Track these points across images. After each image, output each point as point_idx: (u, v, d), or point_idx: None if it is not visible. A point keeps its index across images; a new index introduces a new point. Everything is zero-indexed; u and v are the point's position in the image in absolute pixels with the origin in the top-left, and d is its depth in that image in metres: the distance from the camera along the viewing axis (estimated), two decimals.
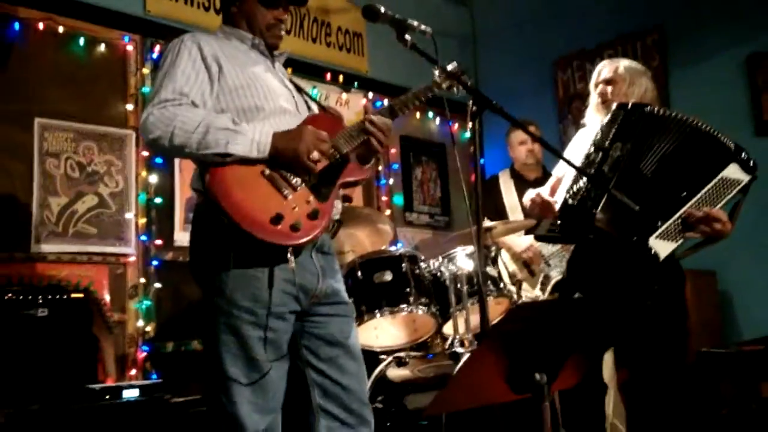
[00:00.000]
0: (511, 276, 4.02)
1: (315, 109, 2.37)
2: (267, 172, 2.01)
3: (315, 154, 2.03)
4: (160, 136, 1.96)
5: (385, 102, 5.33)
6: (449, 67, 2.30)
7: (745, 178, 2.53)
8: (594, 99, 2.94)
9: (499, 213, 4.33)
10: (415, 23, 2.21)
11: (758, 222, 4.36)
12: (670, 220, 2.48)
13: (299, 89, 2.37)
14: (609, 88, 2.87)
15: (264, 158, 2.00)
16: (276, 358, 2.03)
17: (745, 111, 4.64)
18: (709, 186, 2.50)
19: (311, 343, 2.15)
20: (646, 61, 5.09)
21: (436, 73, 2.32)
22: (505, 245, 4.11)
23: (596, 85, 2.94)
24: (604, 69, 2.94)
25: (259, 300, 2.00)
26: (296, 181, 2.04)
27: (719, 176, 2.51)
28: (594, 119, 2.91)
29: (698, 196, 2.50)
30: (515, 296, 3.70)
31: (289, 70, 2.50)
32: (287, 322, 2.07)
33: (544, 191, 2.87)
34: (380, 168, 5.27)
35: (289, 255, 1.98)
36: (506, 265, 4.05)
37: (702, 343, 3.93)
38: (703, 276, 4.27)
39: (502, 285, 3.65)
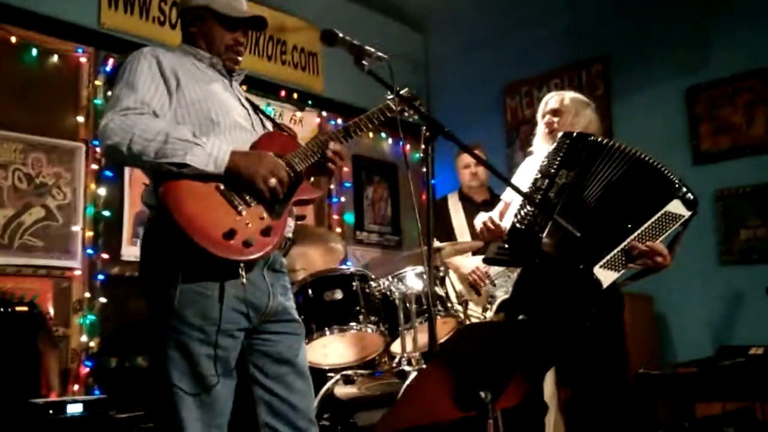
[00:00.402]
0: (458, 296, 4.09)
1: (270, 127, 2.40)
2: (221, 187, 2.02)
3: (272, 181, 2.04)
4: (118, 142, 1.95)
5: (339, 121, 5.42)
6: (402, 92, 2.35)
7: (686, 213, 2.62)
8: (541, 128, 3.05)
9: (448, 234, 4.41)
10: (372, 50, 2.26)
11: (693, 248, 4.55)
12: (615, 251, 2.57)
13: (256, 108, 2.40)
14: (555, 119, 2.98)
15: (219, 174, 2.01)
16: (223, 375, 2.03)
17: (685, 140, 4.85)
18: (652, 219, 2.59)
19: (259, 361, 2.15)
20: (590, 89, 5.29)
21: (390, 96, 2.37)
22: (452, 266, 4.19)
23: (543, 116, 3.05)
24: (551, 100, 3.05)
25: (208, 317, 2.00)
26: (250, 197, 2.05)
27: (663, 210, 2.60)
28: (541, 147, 3.01)
29: (642, 228, 2.58)
30: (462, 315, 3.78)
31: (244, 87, 2.53)
32: (236, 340, 2.07)
33: (494, 215, 2.95)
34: (332, 186, 5.32)
35: (240, 271, 1.99)
36: (454, 285, 4.13)
37: (639, 365, 4.06)
38: (639, 300, 4.42)
39: (449, 305, 3.72)
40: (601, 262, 2.55)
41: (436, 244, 3.66)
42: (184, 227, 1.91)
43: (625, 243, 2.57)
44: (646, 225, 2.59)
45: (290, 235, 2.25)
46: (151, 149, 1.94)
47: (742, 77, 4.64)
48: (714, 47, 4.78)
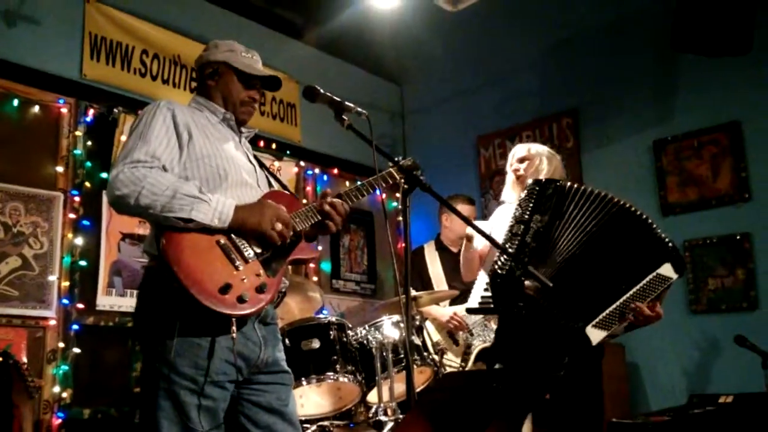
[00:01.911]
0: (435, 345, 4.12)
1: (276, 185, 2.47)
2: (222, 241, 2.08)
3: (279, 225, 2.12)
4: (127, 194, 2.01)
5: (316, 170, 5.50)
6: (403, 162, 2.44)
7: (674, 276, 2.65)
8: (510, 177, 3.15)
9: (425, 283, 4.46)
10: (352, 105, 2.33)
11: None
12: (608, 311, 2.57)
13: (262, 165, 2.46)
14: (522, 165, 3.09)
15: (223, 229, 2.07)
16: (212, 427, 2.05)
17: (652, 192, 4.98)
18: (645, 281, 2.60)
19: (249, 410, 2.17)
20: (561, 141, 5.44)
21: (390, 164, 2.42)
22: (429, 315, 4.23)
23: (511, 165, 3.16)
24: (518, 150, 3.17)
25: (201, 368, 2.02)
26: (249, 253, 2.10)
27: (655, 273, 2.61)
28: (511, 196, 3.11)
29: (634, 290, 2.59)
30: (438, 365, 3.80)
31: None
32: (226, 391, 2.09)
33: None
34: None
35: (232, 326, 2.03)
36: (431, 334, 4.16)
37: (612, 414, 4.08)
38: (611, 348, 4.45)
39: (425, 354, 3.75)
40: (594, 322, 2.55)
41: (413, 293, 3.70)
42: (182, 279, 1.96)
43: (617, 303, 2.58)
44: (638, 286, 2.59)
45: (284, 289, 2.30)
46: (159, 203, 2.00)
47: (707, 131, 4.80)
48: (679, 102, 4.95)
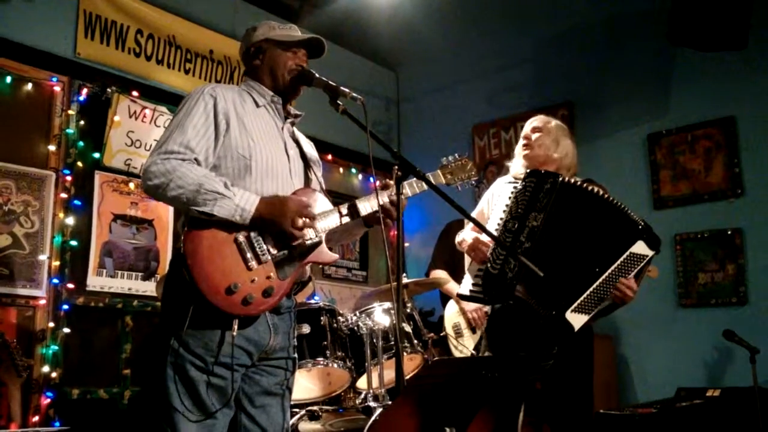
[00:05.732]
0: (455, 326, 4.13)
1: (313, 178, 2.45)
2: (240, 239, 2.10)
3: (300, 222, 2.12)
4: (157, 184, 2.06)
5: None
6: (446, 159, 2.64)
7: (650, 253, 2.69)
8: (519, 145, 3.07)
9: (455, 260, 4.37)
10: (347, 90, 2.31)
11: (653, 290, 4.67)
12: (584, 295, 2.61)
13: (303, 156, 2.43)
14: (534, 135, 3.00)
15: (245, 225, 2.09)
16: (222, 405, 2.09)
17: (645, 185, 5.00)
18: (618, 262, 2.65)
19: (250, 389, 2.21)
20: None
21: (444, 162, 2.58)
22: (451, 294, 4.21)
23: (524, 133, 3.06)
24: (535, 120, 3.07)
25: (210, 349, 2.07)
26: (264, 254, 2.12)
27: (628, 252, 2.66)
28: (516, 165, 3.06)
29: (609, 271, 2.63)
30: (454, 345, 3.81)
31: None
32: (236, 373, 2.13)
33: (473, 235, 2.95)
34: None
35: (233, 323, 2.06)
36: (453, 314, 4.17)
37: (600, 405, 4.11)
38: (601, 340, 4.48)
39: (415, 341, 3.75)
40: (572, 307, 2.59)
41: (405, 279, 3.70)
42: (193, 273, 2.01)
43: (594, 286, 2.62)
44: (612, 267, 2.64)
45: (305, 279, 2.32)
46: (184, 197, 2.05)
47: (701, 125, 4.82)
48: (674, 96, 4.97)
